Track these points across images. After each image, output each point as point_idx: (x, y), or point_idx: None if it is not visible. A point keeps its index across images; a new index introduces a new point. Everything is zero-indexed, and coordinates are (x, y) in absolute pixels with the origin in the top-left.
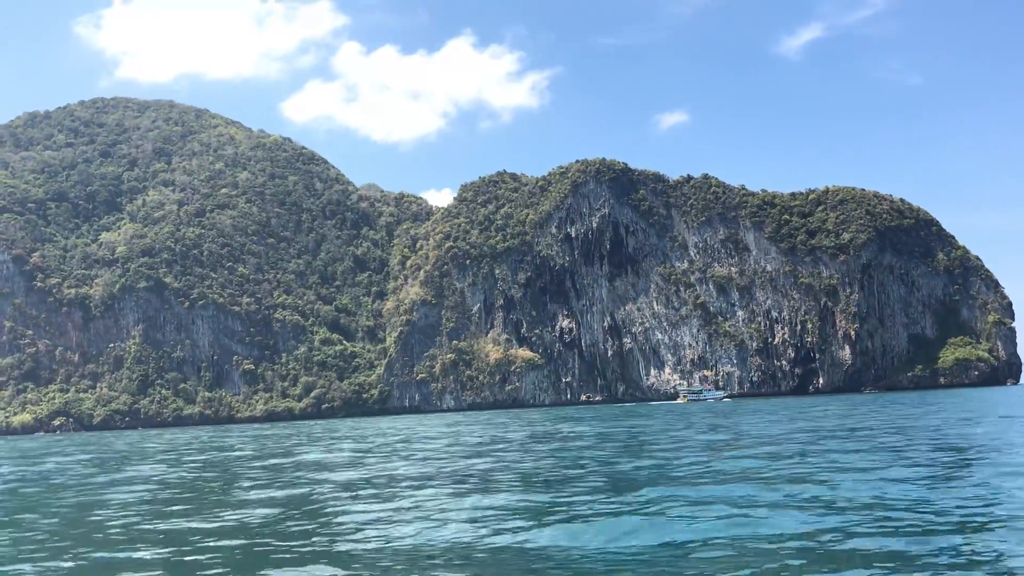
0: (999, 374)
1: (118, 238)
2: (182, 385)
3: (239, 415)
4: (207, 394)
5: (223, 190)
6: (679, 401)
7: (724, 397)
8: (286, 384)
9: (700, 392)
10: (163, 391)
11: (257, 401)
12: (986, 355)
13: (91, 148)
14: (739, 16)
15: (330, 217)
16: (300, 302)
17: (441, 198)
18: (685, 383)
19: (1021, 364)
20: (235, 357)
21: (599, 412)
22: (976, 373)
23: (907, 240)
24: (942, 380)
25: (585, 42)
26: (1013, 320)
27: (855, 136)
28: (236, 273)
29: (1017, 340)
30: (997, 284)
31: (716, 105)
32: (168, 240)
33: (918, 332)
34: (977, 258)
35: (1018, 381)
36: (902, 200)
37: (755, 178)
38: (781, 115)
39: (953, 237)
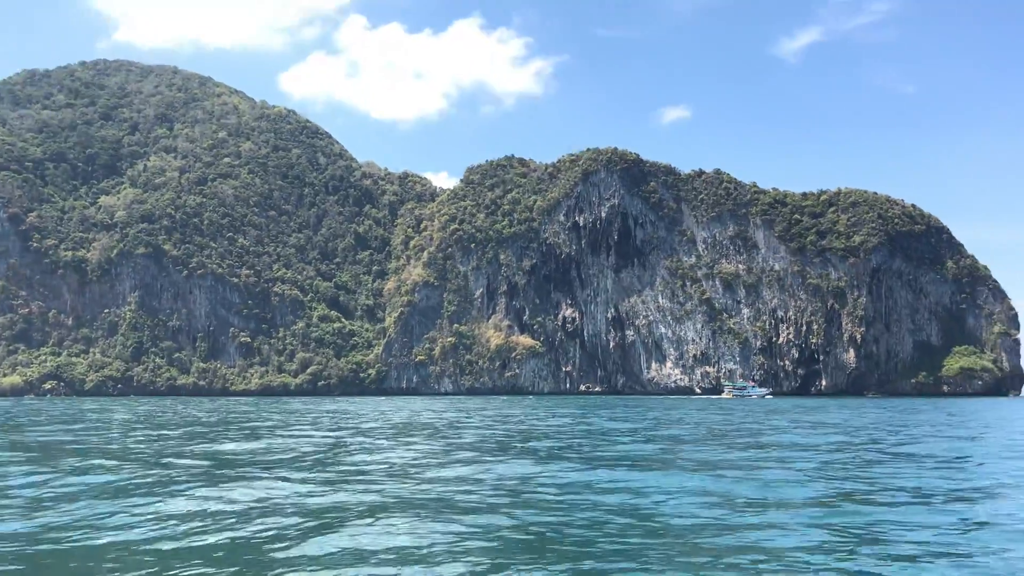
0: (1002, 385)
1: (117, 202)
2: (177, 354)
3: (233, 388)
4: (202, 365)
5: (225, 159)
6: (724, 396)
7: (767, 394)
8: (282, 359)
9: (744, 388)
10: (157, 360)
11: (252, 375)
12: (990, 365)
13: (92, 110)
14: (738, 16)
15: (332, 193)
16: (299, 277)
17: (439, 180)
18: (730, 381)
19: (1023, 376)
20: (232, 329)
21: (625, 407)
22: (979, 383)
23: (917, 246)
24: (945, 388)
25: (589, 32)
26: (1018, 331)
27: (851, 141)
28: (236, 244)
29: (1021, 352)
30: (1004, 295)
31: (717, 102)
32: (168, 207)
33: (923, 339)
34: (985, 268)
35: (1020, 393)
36: (913, 206)
37: (753, 177)
38: (780, 116)
39: (962, 245)
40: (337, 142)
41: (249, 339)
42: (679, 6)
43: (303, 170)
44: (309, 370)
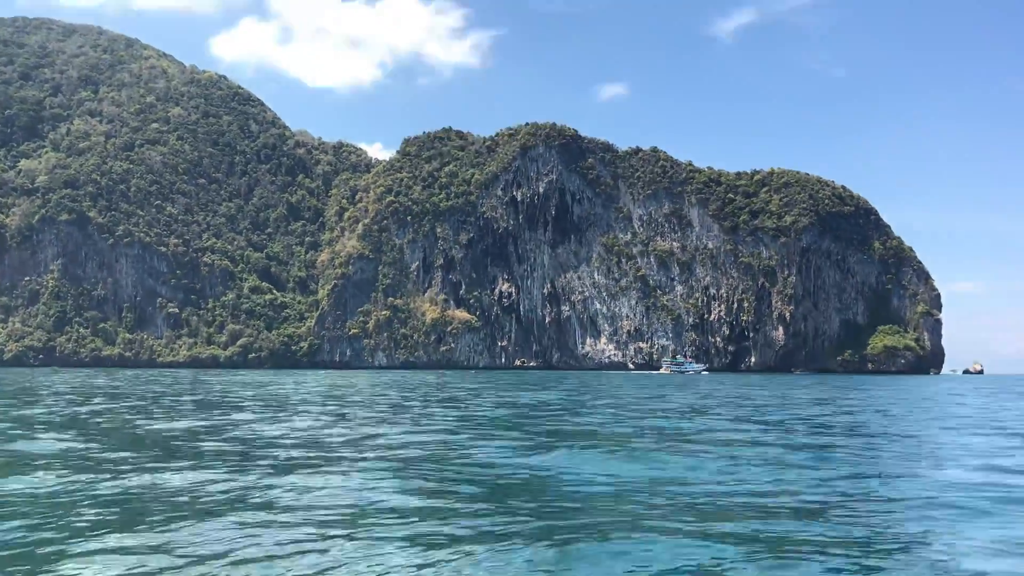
0: (923, 363)
1: (38, 167)
2: (101, 325)
3: (161, 359)
4: (128, 336)
5: (153, 125)
6: (662, 371)
7: (703, 370)
8: (211, 331)
9: (682, 364)
10: (81, 330)
11: (181, 346)
12: (913, 344)
13: (10, 69)
14: None
15: (264, 161)
16: (230, 247)
17: (373, 151)
18: (668, 358)
19: (944, 355)
20: (159, 299)
21: (561, 380)
22: (903, 361)
23: (846, 227)
24: (870, 366)
25: (526, 5)
26: (940, 312)
27: (783, 121)
28: (164, 212)
29: (942, 332)
30: (928, 276)
31: (654, 80)
32: (93, 173)
33: (850, 317)
34: (910, 249)
35: (940, 371)
36: (843, 187)
37: (689, 155)
38: (715, 96)
39: (889, 227)
40: (270, 109)
41: (177, 310)
42: None
43: (234, 138)
44: (239, 342)
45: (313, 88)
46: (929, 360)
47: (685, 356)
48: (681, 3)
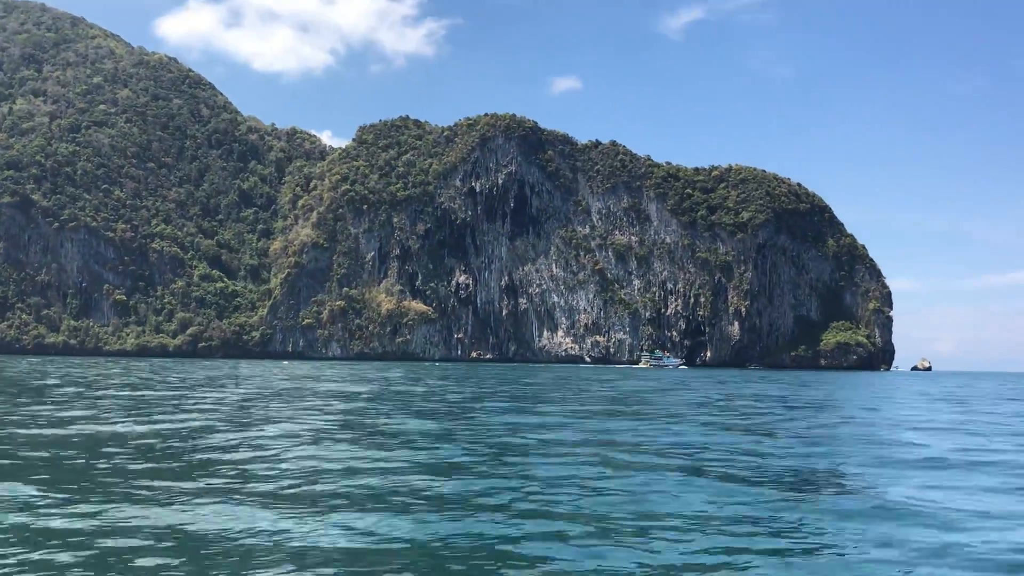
0: (874, 359)
1: None
2: (45, 311)
3: (107, 347)
4: (73, 323)
5: (101, 106)
6: (642, 365)
7: (680, 364)
8: (160, 319)
9: (661, 358)
10: (24, 316)
11: (128, 334)
12: (864, 340)
13: None
14: None
15: (216, 147)
16: (180, 233)
17: (323, 139)
18: (647, 352)
19: (894, 352)
20: (106, 286)
21: (557, 379)
22: (854, 357)
23: (801, 224)
24: (823, 361)
25: None
26: (891, 309)
27: (729, 120)
28: (112, 196)
29: (893, 328)
30: (880, 273)
31: (606, 75)
32: (38, 154)
33: (804, 314)
34: (863, 247)
35: (890, 367)
36: (799, 184)
37: (641, 150)
38: (665, 92)
39: (843, 225)
40: (221, 94)
41: (125, 297)
42: None
43: (184, 122)
44: (189, 331)
45: (261, 72)
46: (879, 356)
47: (663, 351)
48: None
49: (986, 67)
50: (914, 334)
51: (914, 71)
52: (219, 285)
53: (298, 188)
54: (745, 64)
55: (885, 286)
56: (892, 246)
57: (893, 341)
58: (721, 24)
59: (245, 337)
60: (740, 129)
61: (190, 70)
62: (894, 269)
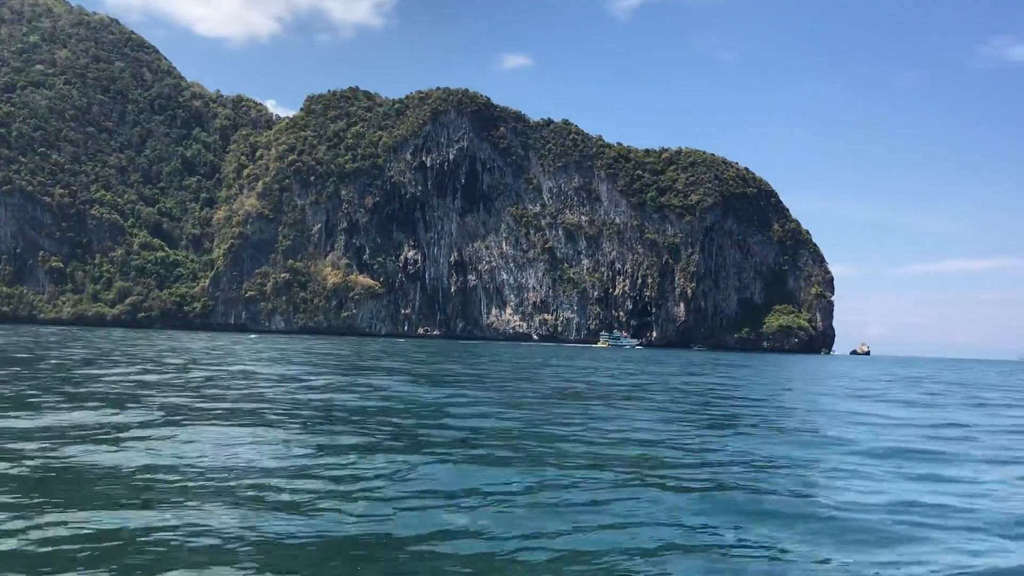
0: (815, 343)
1: None
2: None
3: (42, 315)
4: (6, 289)
5: (38, 67)
6: (600, 345)
7: (637, 345)
8: (98, 287)
9: (619, 339)
10: None
11: (64, 303)
12: (806, 324)
13: None
14: None
15: (159, 112)
16: (120, 200)
17: (269, 108)
18: (606, 332)
19: (835, 336)
20: (41, 252)
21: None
22: (796, 340)
23: (748, 208)
24: (765, 344)
25: None
26: (833, 294)
27: (676, 102)
28: (49, 160)
29: (834, 313)
30: (822, 259)
31: (556, 53)
32: None
33: (748, 296)
34: (807, 232)
35: (831, 351)
36: (747, 169)
37: (590, 130)
38: (615, 73)
39: (788, 210)
40: (165, 58)
41: (61, 264)
42: None
43: (126, 85)
44: (128, 300)
45: (204, 37)
46: (820, 340)
47: (621, 331)
48: None
49: (925, 61)
50: (848, 318)
51: (856, 62)
52: (160, 254)
53: (243, 157)
54: (692, 47)
55: (827, 271)
56: (830, 232)
57: (835, 325)
58: (668, 7)
59: (186, 308)
60: (687, 112)
61: (133, 32)
62: (831, 255)
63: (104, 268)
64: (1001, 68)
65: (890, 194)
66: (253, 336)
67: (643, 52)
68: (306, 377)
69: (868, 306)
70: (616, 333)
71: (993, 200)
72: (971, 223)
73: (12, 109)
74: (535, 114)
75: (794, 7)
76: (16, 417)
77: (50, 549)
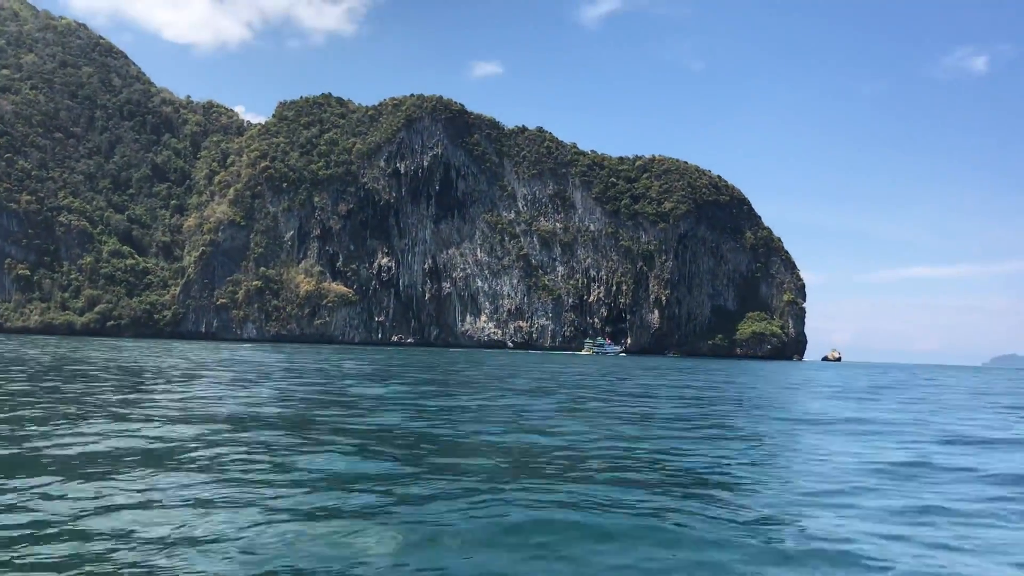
0: (787, 349)
1: None
2: None
3: (9, 324)
4: None
5: (4, 71)
6: (584, 352)
7: (620, 352)
8: (67, 295)
9: (603, 345)
10: None
11: (31, 311)
12: (778, 331)
13: None
14: None
15: (128, 118)
16: (88, 207)
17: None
18: (590, 339)
19: (807, 342)
20: (8, 260)
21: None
22: (768, 347)
23: (721, 215)
24: (738, 351)
25: None
26: (804, 301)
27: (646, 109)
28: (15, 166)
29: (806, 320)
30: (794, 266)
31: (526, 61)
32: None
33: (721, 303)
34: (779, 240)
35: (802, 358)
36: (719, 177)
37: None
38: (585, 81)
39: (760, 217)
40: (134, 64)
41: (28, 272)
42: None
43: (95, 91)
44: (97, 308)
45: (172, 42)
46: (792, 347)
47: (605, 338)
48: None
49: (889, 71)
50: (816, 325)
51: (822, 72)
52: (129, 262)
53: (215, 164)
54: (660, 56)
55: (799, 278)
56: (796, 238)
57: (807, 332)
58: (637, 16)
59: (156, 316)
60: (657, 120)
61: (101, 37)
62: (798, 262)
63: (72, 276)
64: (963, 79)
65: (856, 202)
66: (237, 345)
67: (613, 61)
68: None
69: (833, 312)
70: (600, 340)
71: (957, 207)
72: (935, 231)
73: None
74: (506, 120)
75: (760, 18)
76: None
77: None
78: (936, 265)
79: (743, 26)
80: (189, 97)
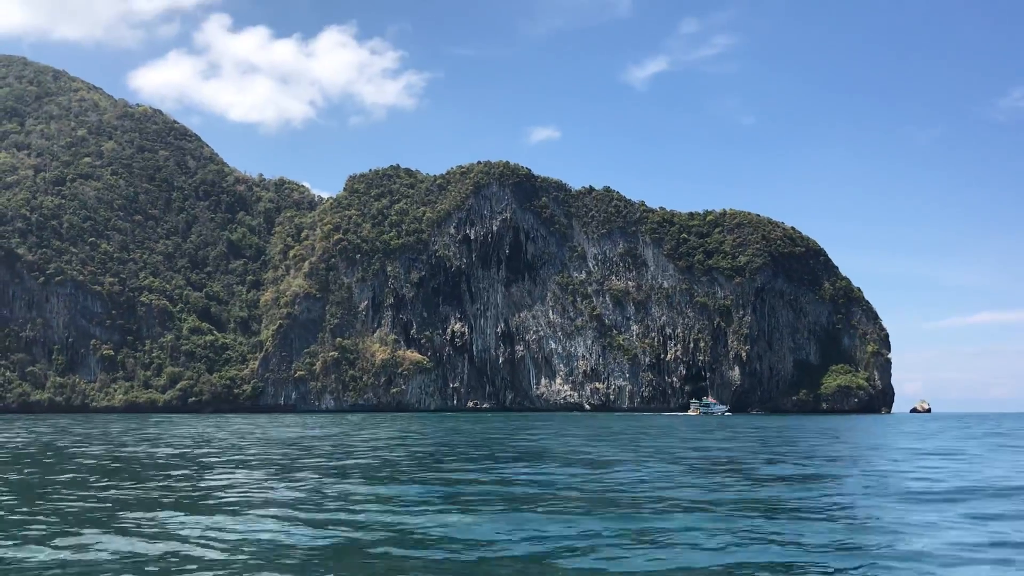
0: (875, 402)
1: None
2: (30, 368)
3: (95, 404)
4: (58, 379)
5: (86, 159)
6: (691, 413)
7: (726, 411)
8: (149, 374)
9: (709, 406)
10: (7, 373)
11: (116, 390)
12: (864, 383)
13: None
14: (588, 43)
15: (203, 198)
16: (168, 286)
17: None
18: (696, 400)
19: (894, 394)
20: (93, 341)
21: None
22: (855, 400)
23: (797, 267)
24: (824, 405)
25: (457, 50)
26: (889, 351)
27: (701, 165)
28: (99, 249)
29: (892, 371)
30: (876, 316)
31: (582, 123)
32: (23, 208)
33: (803, 357)
34: (859, 290)
35: (891, 410)
36: (794, 228)
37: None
38: (639, 140)
39: (837, 268)
40: (207, 145)
41: (112, 352)
42: (531, 31)
43: (171, 173)
44: (179, 385)
45: (238, 122)
46: (879, 399)
47: (710, 398)
48: (595, 51)
49: (944, 115)
50: None
51: (874, 118)
52: (209, 338)
53: (289, 238)
54: (711, 113)
55: (882, 328)
56: (866, 290)
57: (894, 383)
58: (684, 75)
59: (236, 391)
60: (713, 176)
61: (175, 121)
62: None
63: (154, 354)
64: (1021, 120)
65: (920, 249)
66: (317, 418)
67: (665, 119)
68: None
69: (902, 363)
70: (706, 400)
71: (1021, 251)
72: (1001, 275)
73: (62, 201)
74: (569, 182)
75: (804, 71)
76: None
77: None
78: (1004, 310)
79: (788, 80)
80: (262, 175)
